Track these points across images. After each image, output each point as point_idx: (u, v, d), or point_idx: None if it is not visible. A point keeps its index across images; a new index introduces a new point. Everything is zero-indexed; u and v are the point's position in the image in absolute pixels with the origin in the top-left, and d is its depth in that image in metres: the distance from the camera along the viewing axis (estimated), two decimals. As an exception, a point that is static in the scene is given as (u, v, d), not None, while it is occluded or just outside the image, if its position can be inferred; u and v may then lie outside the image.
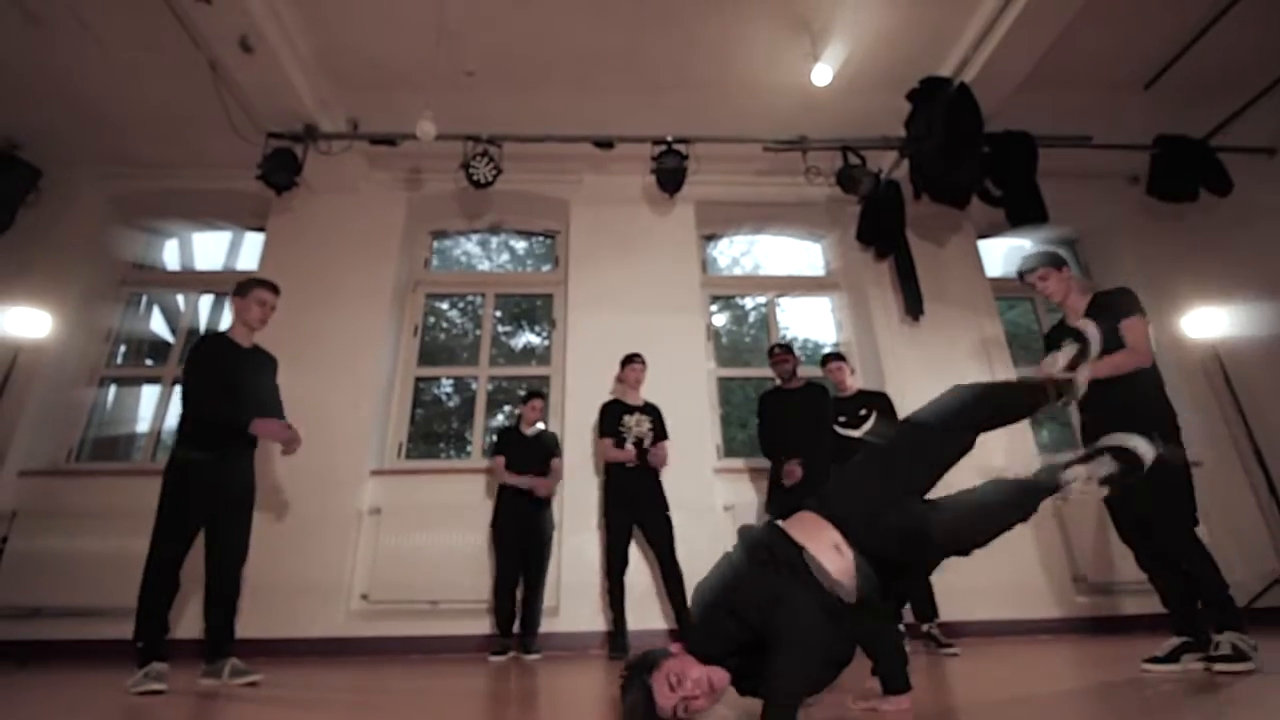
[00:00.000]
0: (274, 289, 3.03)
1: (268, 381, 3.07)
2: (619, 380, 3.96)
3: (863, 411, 3.60)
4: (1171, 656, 2.29)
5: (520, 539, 3.58)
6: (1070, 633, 3.72)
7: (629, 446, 3.63)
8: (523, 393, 4.12)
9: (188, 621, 3.17)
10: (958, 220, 4.84)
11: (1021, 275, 2.83)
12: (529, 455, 3.72)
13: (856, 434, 3.56)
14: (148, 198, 4.85)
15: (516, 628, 3.50)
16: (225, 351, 2.91)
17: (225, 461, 2.75)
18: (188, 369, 2.80)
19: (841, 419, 3.64)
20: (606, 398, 3.88)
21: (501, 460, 3.69)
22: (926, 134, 4.01)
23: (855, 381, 3.82)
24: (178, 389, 4.54)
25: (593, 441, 3.95)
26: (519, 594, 3.55)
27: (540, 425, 3.91)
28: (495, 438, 3.89)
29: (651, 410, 3.81)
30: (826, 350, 4.20)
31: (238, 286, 2.99)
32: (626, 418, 3.74)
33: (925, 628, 3.28)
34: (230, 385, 2.81)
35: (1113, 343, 2.43)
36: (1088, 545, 4.01)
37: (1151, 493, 2.30)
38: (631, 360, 3.90)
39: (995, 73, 3.82)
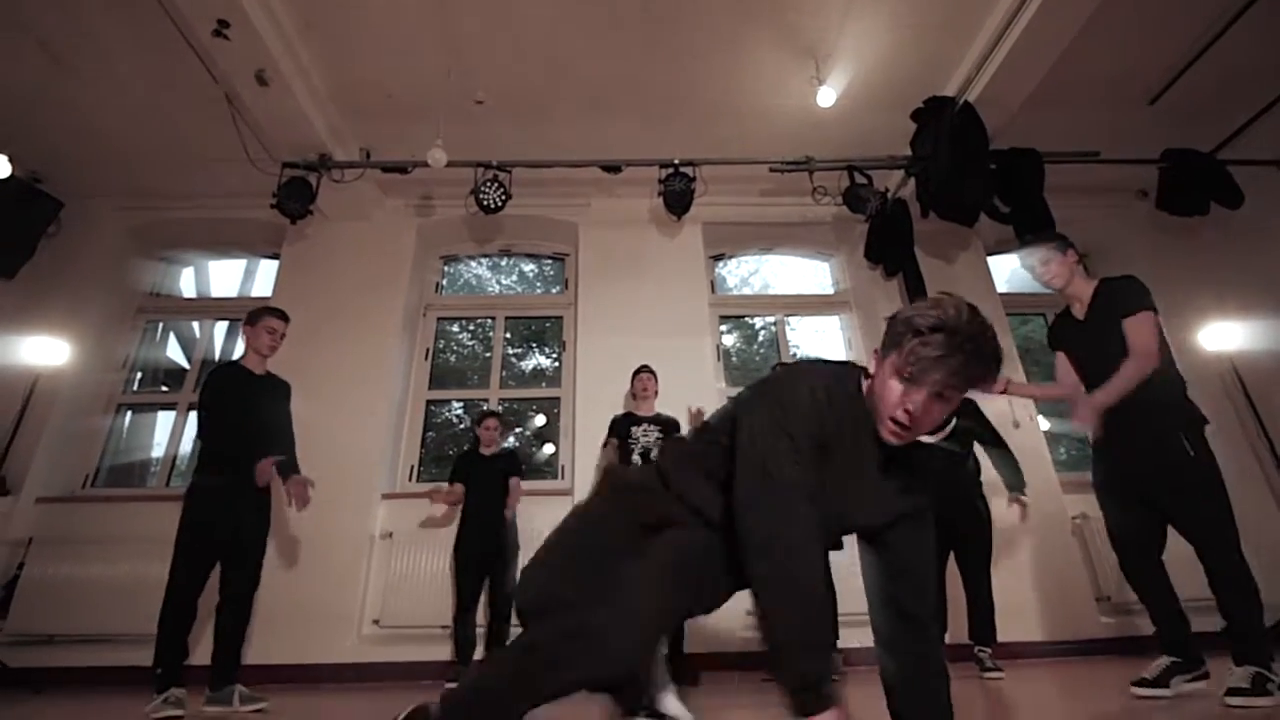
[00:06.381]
0: (283, 317, 3.08)
1: (280, 408, 3.11)
2: (629, 393, 3.96)
3: None
4: (1160, 680, 2.19)
5: (481, 563, 3.53)
6: (1094, 654, 3.64)
7: (635, 459, 3.58)
8: (478, 414, 4.05)
9: (202, 648, 3.15)
10: (967, 237, 4.84)
11: (1022, 260, 2.63)
12: (490, 476, 3.71)
13: (928, 439, 3.42)
14: (165, 227, 4.95)
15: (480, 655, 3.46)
16: (237, 380, 2.95)
17: (243, 490, 2.78)
18: (201, 398, 2.86)
19: None
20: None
21: (460, 488, 3.68)
22: (932, 153, 4.04)
23: None
24: (193, 415, 4.64)
25: (600, 454, 3.89)
26: (482, 618, 3.51)
27: (508, 443, 3.86)
28: (454, 465, 3.83)
29: (663, 421, 3.72)
30: None
31: (249, 315, 3.06)
32: (635, 429, 3.68)
33: (976, 650, 3.16)
34: (242, 414, 2.86)
35: (1117, 342, 2.30)
36: (1111, 565, 3.93)
37: (1191, 500, 2.20)
38: (638, 372, 3.88)
39: (999, 92, 3.84)
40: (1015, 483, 3.33)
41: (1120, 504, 2.40)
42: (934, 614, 1.28)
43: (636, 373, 3.90)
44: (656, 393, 3.86)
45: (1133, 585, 2.40)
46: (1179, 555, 2.27)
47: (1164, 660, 2.24)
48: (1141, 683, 2.21)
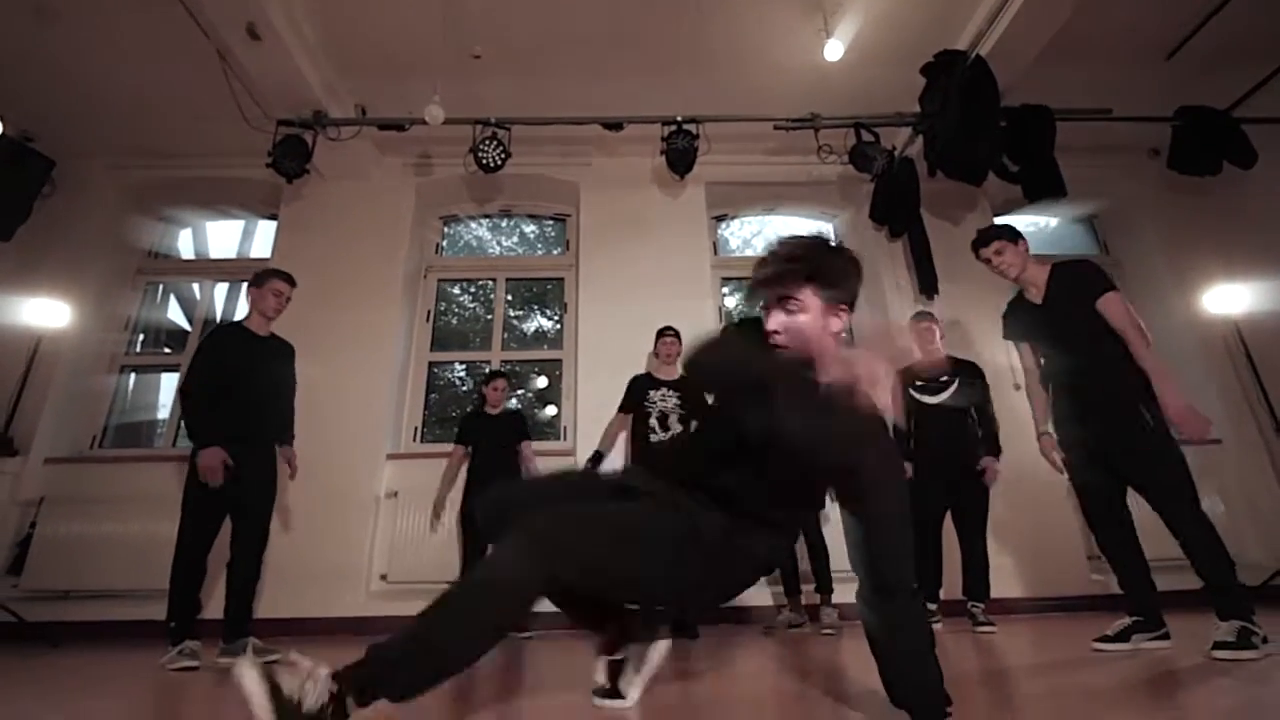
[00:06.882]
0: (290, 280, 3.09)
1: (285, 371, 3.13)
2: (653, 354, 3.91)
3: (944, 378, 3.49)
4: (1122, 635, 2.29)
5: None
6: (1085, 609, 3.72)
7: (652, 423, 3.56)
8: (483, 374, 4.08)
9: (215, 602, 3.24)
10: (973, 197, 4.77)
11: (976, 250, 2.71)
12: (498, 436, 3.74)
13: (932, 400, 3.46)
14: (161, 187, 4.88)
15: None
16: (238, 340, 2.96)
17: (247, 449, 2.82)
18: (195, 357, 2.88)
19: (919, 383, 3.51)
20: (616, 380, 3.84)
21: (460, 450, 3.73)
22: (941, 109, 3.94)
23: (943, 346, 3.65)
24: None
25: (617, 421, 3.81)
26: None
27: (511, 404, 3.86)
28: (459, 426, 3.86)
29: (684, 386, 3.66)
30: (918, 310, 3.92)
31: (254, 276, 3.06)
32: (653, 392, 3.65)
33: (970, 605, 3.26)
34: (244, 375, 2.89)
35: (1087, 320, 2.40)
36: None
37: (1149, 465, 2.29)
38: (662, 334, 3.83)
39: (1012, 45, 3.72)
40: (992, 450, 3.39)
41: (1085, 473, 2.50)
42: (909, 577, 1.38)
43: (661, 334, 3.83)
44: (680, 353, 3.79)
45: (1102, 549, 2.50)
46: (1149, 518, 2.33)
47: (1126, 620, 2.33)
48: (1103, 639, 2.32)
